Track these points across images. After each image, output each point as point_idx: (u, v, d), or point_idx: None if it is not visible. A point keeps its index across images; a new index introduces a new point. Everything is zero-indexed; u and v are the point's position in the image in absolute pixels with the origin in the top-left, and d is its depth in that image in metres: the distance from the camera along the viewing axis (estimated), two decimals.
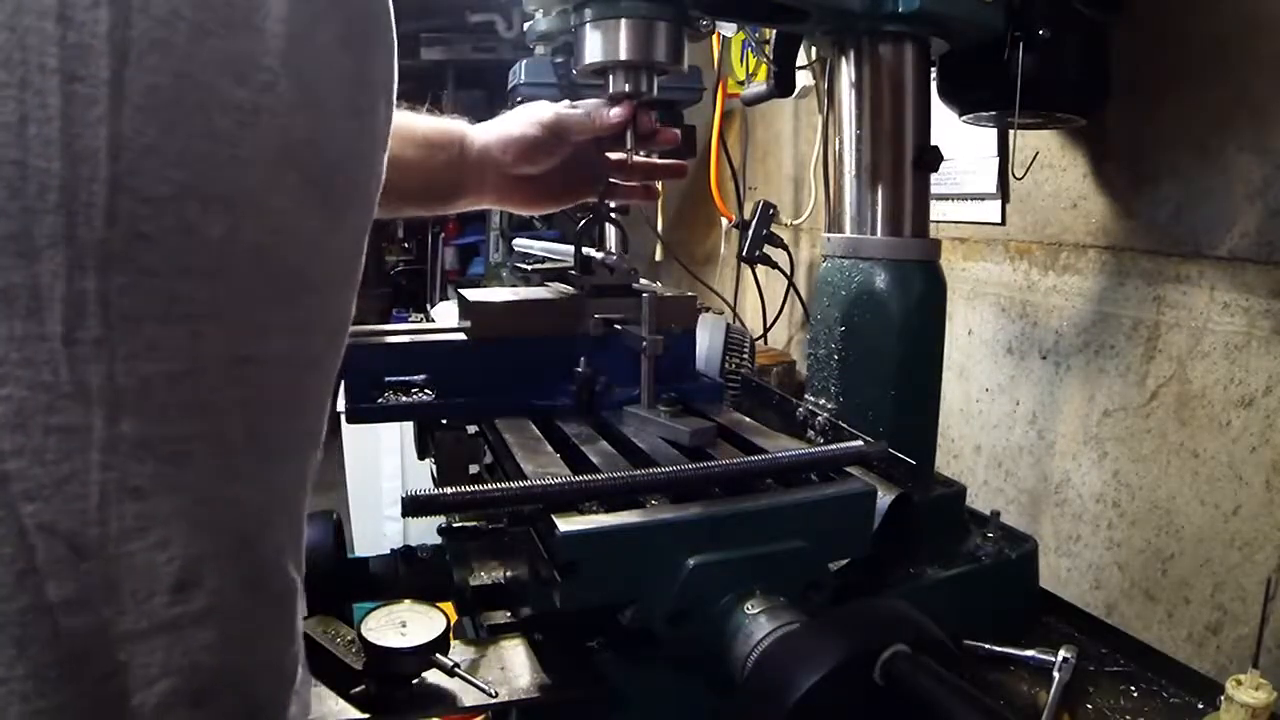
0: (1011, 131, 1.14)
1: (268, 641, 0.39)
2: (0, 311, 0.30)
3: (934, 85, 0.99)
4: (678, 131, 0.90)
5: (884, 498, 0.74)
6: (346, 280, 0.42)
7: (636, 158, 0.86)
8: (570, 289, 0.92)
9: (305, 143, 0.37)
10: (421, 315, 1.23)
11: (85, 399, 0.31)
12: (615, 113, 0.81)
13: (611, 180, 0.90)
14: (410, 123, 0.84)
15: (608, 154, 0.87)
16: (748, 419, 0.85)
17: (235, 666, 0.37)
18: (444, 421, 0.84)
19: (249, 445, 0.37)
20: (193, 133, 0.33)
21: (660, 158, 0.97)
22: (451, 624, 0.61)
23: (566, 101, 0.85)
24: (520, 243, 1.90)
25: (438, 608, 0.62)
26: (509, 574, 0.76)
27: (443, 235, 4.11)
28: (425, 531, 0.80)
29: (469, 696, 0.59)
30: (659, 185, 0.93)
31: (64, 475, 0.31)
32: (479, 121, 0.88)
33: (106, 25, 0.31)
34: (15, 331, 0.30)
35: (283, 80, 0.36)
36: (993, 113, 1.02)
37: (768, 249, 1.67)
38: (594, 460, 0.71)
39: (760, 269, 1.79)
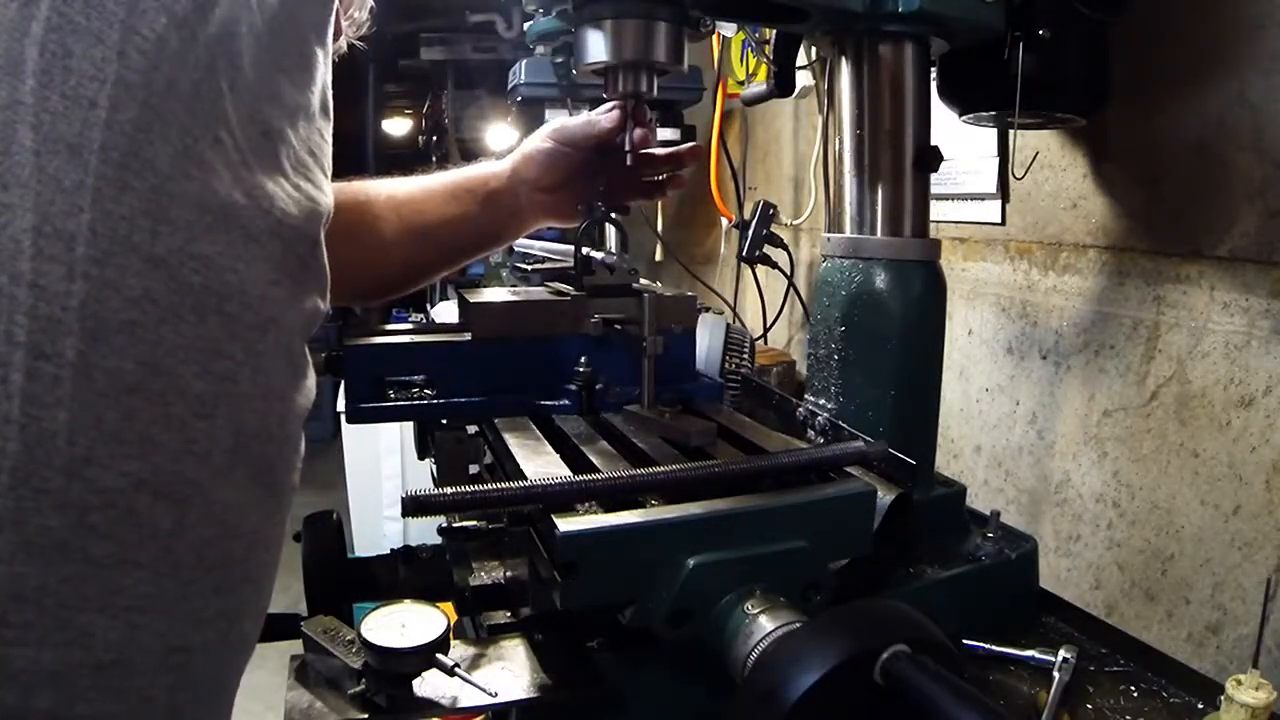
0: (1011, 131, 1.14)
1: None
2: None
3: (934, 85, 0.99)
4: (699, 148, 0.92)
5: (884, 498, 0.74)
6: (276, 564, 0.42)
7: (653, 150, 0.88)
8: (570, 289, 0.92)
9: (255, 434, 0.37)
10: (421, 315, 1.23)
11: (7, 680, 0.30)
12: (611, 115, 0.84)
13: (638, 176, 0.92)
14: (440, 181, 0.89)
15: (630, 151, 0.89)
16: (748, 419, 0.85)
17: None
18: (444, 421, 0.84)
19: None
20: (152, 422, 0.32)
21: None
22: (451, 624, 0.61)
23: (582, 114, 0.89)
24: (520, 243, 1.90)
25: (438, 608, 0.62)
26: (509, 574, 0.76)
27: None
28: (425, 531, 0.80)
29: (469, 696, 0.59)
30: (684, 175, 0.95)
31: None
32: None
33: (79, 299, 0.29)
34: None
35: (244, 369, 0.35)
36: (993, 113, 1.02)
37: (768, 249, 1.67)
38: (594, 460, 0.71)
39: (760, 269, 1.79)
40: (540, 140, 0.87)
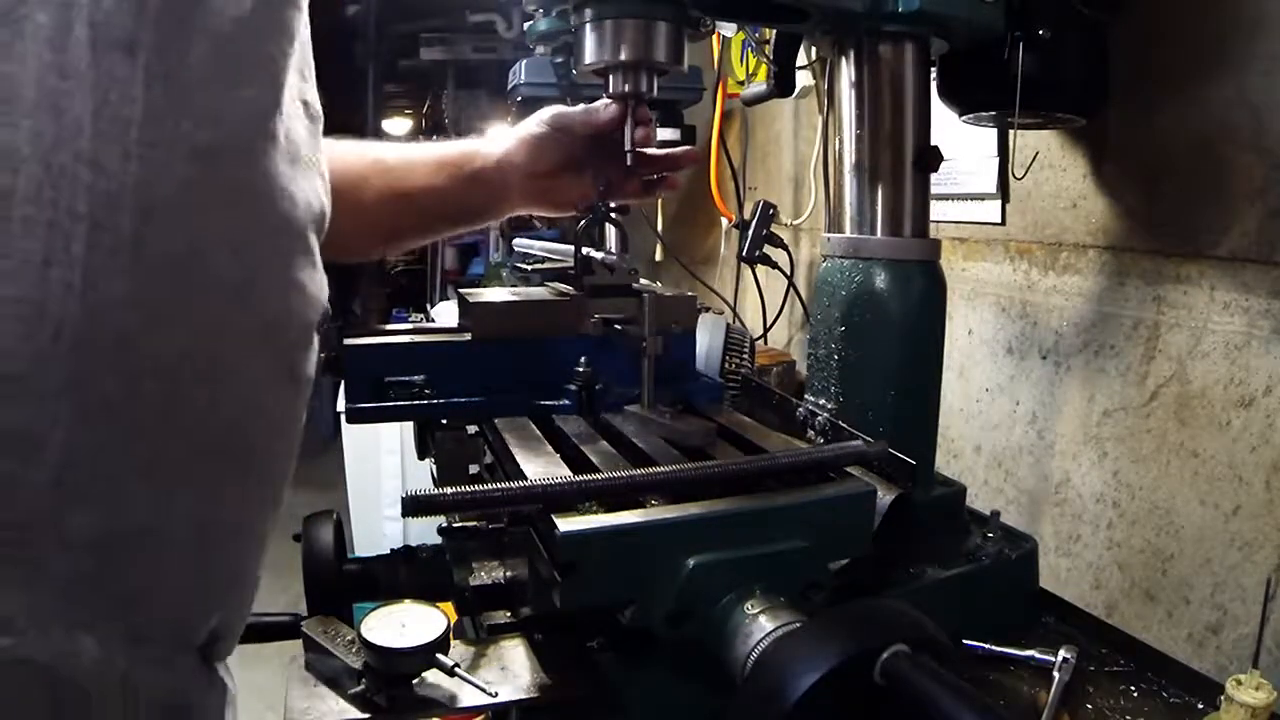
0: (1011, 131, 1.14)
1: None
2: None
3: (934, 85, 0.99)
4: (693, 151, 0.91)
5: (884, 498, 0.74)
6: (292, 453, 0.44)
7: (650, 150, 0.88)
8: (570, 289, 0.92)
9: (280, 322, 0.39)
10: (421, 315, 1.23)
11: (57, 540, 0.31)
12: (611, 109, 0.83)
13: (635, 175, 0.91)
14: (429, 151, 0.89)
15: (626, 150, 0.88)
16: (748, 419, 0.85)
17: None
18: (444, 421, 0.84)
19: (191, 598, 0.38)
20: (195, 302, 0.34)
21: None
22: (451, 624, 0.61)
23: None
24: (520, 243, 1.90)
25: (438, 608, 0.62)
26: (509, 574, 0.76)
27: None
28: (425, 531, 0.80)
29: (469, 696, 0.59)
30: (679, 177, 0.95)
31: (24, 605, 0.31)
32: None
33: (134, 179, 0.31)
34: (4, 467, 0.30)
35: (273, 260, 0.38)
36: (993, 113, 1.02)
37: (768, 249, 1.67)
38: (594, 460, 0.71)
39: (760, 269, 1.79)
40: (536, 125, 0.87)
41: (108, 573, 0.33)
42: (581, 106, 0.87)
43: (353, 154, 0.83)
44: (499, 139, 0.89)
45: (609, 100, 0.84)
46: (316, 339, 0.44)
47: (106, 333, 0.31)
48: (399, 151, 0.88)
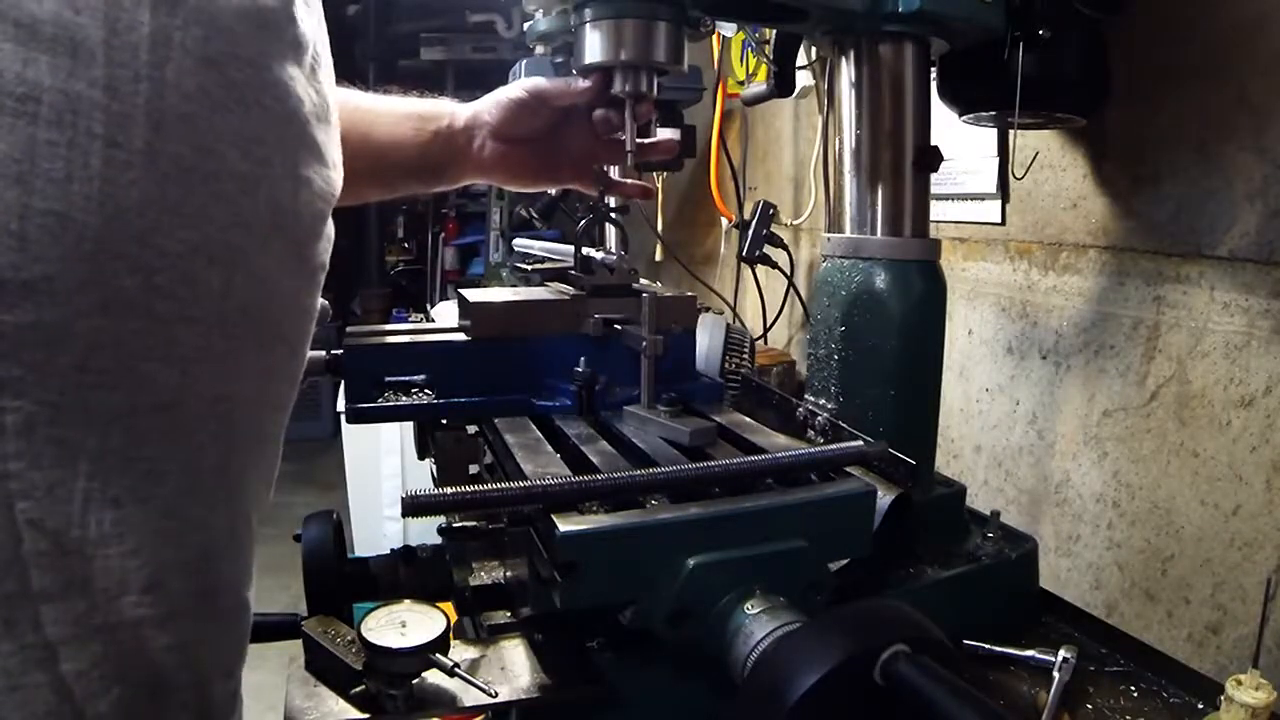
0: (1011, 131, 1.14)
1: (220, 651, 0.43)
2: (27, 339, 0.33)
3: (934, 85, 0.99)
4: (673, 140, 0.90)
5: (884, 498, 0.74)
6: (307, 333, 0.48)
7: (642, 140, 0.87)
8: (570, 289, 0.92)
9: (290, 211, 0.43)
10: (421, 315, 1.23)
11: (86, 418, 0.35)
12: (587, 84, 0.83)
13: (609, 176, 0.91)
14: (402, 103, 0.89)
15: (601, 135, 0.87)
16: (748, 419, 0.85)
17: (191, 669, 0.41)
18: (444, 421, 0.84)
19: (217, 473, 0.41)
20: (206, 197, 0.38)
21: (658, 161, 0.96)
22: (451, 624, 0.61)
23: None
24: (520, 243, 1.90)
25: (438, 608, 0.62)
26: (509, 574, 0.76)
27: (443, 235, 4.12)
28: (425, 531, 0.80)
29: (469, 696, 0.59)
30: (654, 189, 0.95)
31: (55, 480, 0.35)
32: None
33: (145, 98, 0.35)
34: (38, 356, 0.34)
35: (277, 155, 0.42)
36: (993, 113, 1.02)
37: (768, 249, 1.67)
38: (594, 460, 0.71)
39: (760, 269, 1.79)
40: (516, 89, 0.87)
41: (137, 450, 0.37)
42: (560, 79, 0.87)
43: None
44: (475, 102, 0.89)
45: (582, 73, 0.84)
46: (329, 229, 0.48)
47: (123, 236, 0.35)
48: (369, 98, 0.88)
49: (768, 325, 1.86)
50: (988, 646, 0.81)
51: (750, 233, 1.64)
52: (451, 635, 0.60)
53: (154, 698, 0.39)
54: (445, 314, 1.37)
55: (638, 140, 0.84)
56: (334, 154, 0.48)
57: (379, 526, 2.26)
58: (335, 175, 0.48)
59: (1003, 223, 1.30)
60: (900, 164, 0.89)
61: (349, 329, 0.88)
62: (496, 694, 0.59)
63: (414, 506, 0.58)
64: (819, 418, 0.90)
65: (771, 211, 1.66)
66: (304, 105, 0.44)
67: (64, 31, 0.33)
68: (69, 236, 0.34)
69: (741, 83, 1.86)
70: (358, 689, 0.58)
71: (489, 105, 0.87)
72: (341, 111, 0.83)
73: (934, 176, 0.92)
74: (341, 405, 0.89)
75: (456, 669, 0.58)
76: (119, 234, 0.35)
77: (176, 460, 0.39)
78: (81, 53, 0.34)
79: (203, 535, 0.41)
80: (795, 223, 1.86)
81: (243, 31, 0.39)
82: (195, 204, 0.37)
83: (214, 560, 0.42)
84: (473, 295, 0.89)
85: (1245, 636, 0.95)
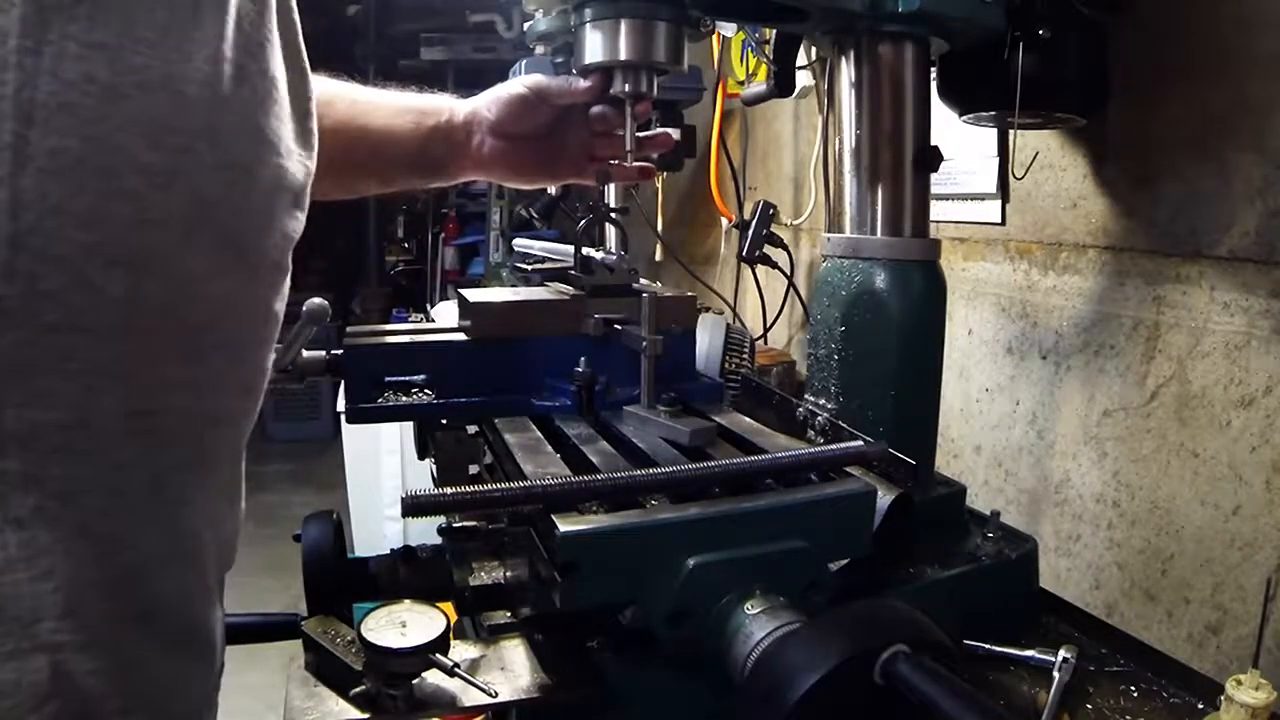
0: (1011, 131, 1.14)
1: (161, 676, 0.40)
2: None
3: (934, 85, 0.99)
4: (670, 134, 0.90)
5: (884, 498, 0.74)
6: (259, 338, 0.43)
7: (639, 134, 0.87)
8: (570, 289, 0.92)
9: (220, 203, 0.38)
10: (421, 315, 1.23)
11: None
12: (588, 84, 0.82)
13: (608, 163, 0.90)
14: (400, 97, 0.87)
15: (599, 132, 0.87)
16: (748, 419, 0.85)
17: (123, 697, 0.37)
18: (444, 421, 0.84)
19: (146, 491, 0.37)
20: (100, 194, 0.33)
21: (658, 161, 0.96)
22: (451, 624, 0.61)
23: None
24: (520, 243, 1.90)
25: (438, 608, 0.62)
26: (509, 574, 0.76)
27: (443, 235, 4.12)
28: (425, 531, 0.80)
29: (469, 696, 0.59)
30: (654, 167, 0.94)
31: None
32: None
33: (12, 87, 0.31)
34: None
35: (201, 142, 0.37)
36: (993, 113, 1.02)
37: (768, 249, 1.67)
38: (594, 460, 0.71)
39: (760, 269, 1.79)
40: (517, 85, 0.86)
41: (38, 469, 0.34)
42: (561, 77, 0.86)
43: (325, 81, 0.81)
44: (474, 98, 0.88)
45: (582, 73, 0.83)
46: (291, 222, 0.43)
47: None
48: (370, 91, 0.87)
49: (768, 325, 1.86)
50: (988, 646, 0.80)
51: (750, 233, 1.64)
52: (451, 635, 0.60)
53: None
54: (445, 314, 1.37)
55: (636, 135, 0.84)
56: (289, 140, 0.43)
57: (379, 526, 2.26)
58: (292, 164, 0.43)
59: (1003, 223, 1.30)
60: (900, 164, 0.89)
61: (349, 329, 0.88)
62: (496, 694, 0.59)
63: (414, 506, 0.58)
64: (819, 418, 0.90)
65: (771, 211, 1.66)
66: (241, 87, 0.39)
67: None
68: None
69: (741, 83, 1.85)
70: (358, 689, 0.58)
71: (488, 101, 0.86)
72: (339, 104, 0.82)
73: (934, 176, 0.92)
74: (341, 405, 0.89)
75: (456, 669, 0.58)
76: None
77: (90, 479, 0.35)
78: None
79: (131, 555, 0.37)
80: (795, 223, 1.86)
81: (139, 11, 0.34)
82: (85, 201, 0.33)
83: (146, 581, 0.38)
84: (473, 295, 0.89)
85: (1245, 636, 0.95)
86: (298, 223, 0.44)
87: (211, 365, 0.40)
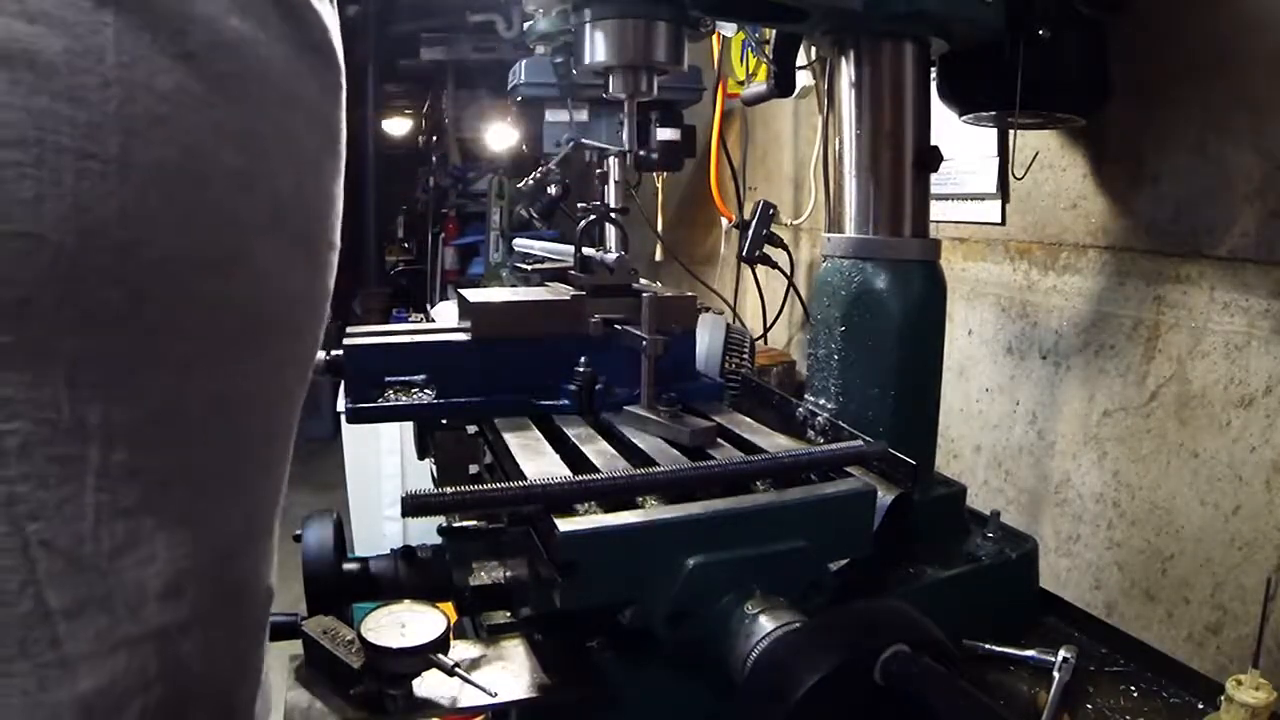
0: (1011, 131, 1.14)
1: (244, 649, 0.43)
2: (9, 361, 0.32)
3: (934, 85, 0.99)
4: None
5: (884, 498, 0.74)
6: (319, 319, 0.46)
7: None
8: (570, 289, 0.92)
9: (292, 201, 0.41)
10: (421, 315, 1.23)
11: (83, 434, 0.34)
12: None
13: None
14: None
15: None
16: (748, 419, 0.85)
17: (216, 673, 0.40)
18: (444, 421, 0.84)
19: (227, 472, 0.40)
20: (194, 200, 0.36)
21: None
22: (451, 624, 0.61)
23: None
24: (520, 243, 1.89)
25: (438, 608, 0.62)
26: (509, 574, 0.76)
27: (443, 235, 4.12)
28: (425, 531, 0.80)
29: (469, 696, 0.59)
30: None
31: (63, 497, 0.34)
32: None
33: (116, 103, 0.33)
34: (24, 377, 0.33)
35: (274, 144, 0.39)
36: (993, 113, 1.02)
37: (768, 249, 1.67)
38: (594, 460, 0.71)
39: (760, 269, 1.79)
40: None
41: (142, 460, 0.36)
42: None
43: None
44: None
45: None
46: (339, 207, 0.46)
47: (102, 249, 0.33)
48: None
49: (768, 325, 1.86)
50: (988, 646, 0.81)
51: (750, 233, 1.64)
52: (451, 635, 0.60)
53: (176, 710, 0.38)
54: (445, 314, 1.37)
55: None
56: (343, 129, 0.45)
57: (379, 526, 2.26)
58: (343, 146, 0.46)
59: (1003, 223, 1.30)
60: (900, 164, 0.89)
61: (349, 329, 0.88)
62: (496, 694, 0.59)
63: (414, 506, 0.58)
64: (819, 418, 0.90)
65: (771, 211, 1.66)
66: (308, 85, 0.41)
67: (18, 45, 0.31)
68: (42, 257, 0.32)
69: (741, 83, 1.85)
70: (358, 689, 0.58)
71: None
72: None
73: (934, 176, 0.92)
74: (341, 405, 0.89)
75: (456, 669, 0.58)
76: (97, 249, 0.33)
77: (183, 465, 0.38)
78: (39, 65, 0.32)
79: (219, 537, 0.40)
80: (795, 223, 1.86)
81: (223, 17, 0.36)
82: (182, 208, 0.35)
83: (233, 560, 0.41)
84: (473, 295, 0.89)
85: (1245, 636, 0.95)
86: (340, 204, 0.47)
87: (280, 347, 0.43)
